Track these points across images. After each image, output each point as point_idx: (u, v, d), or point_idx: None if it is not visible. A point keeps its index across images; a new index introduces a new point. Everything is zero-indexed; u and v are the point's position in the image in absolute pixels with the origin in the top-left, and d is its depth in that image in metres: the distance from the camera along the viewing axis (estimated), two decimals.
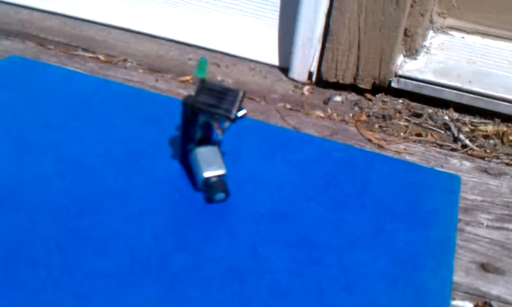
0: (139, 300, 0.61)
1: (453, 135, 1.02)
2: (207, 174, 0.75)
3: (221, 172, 0.76)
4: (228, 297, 0.63)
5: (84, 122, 0.91)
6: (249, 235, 0.71)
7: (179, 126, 0.79)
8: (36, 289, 0.61)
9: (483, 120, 1.06)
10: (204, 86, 0.76)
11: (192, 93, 0.76)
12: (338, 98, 1.12)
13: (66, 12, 1.36)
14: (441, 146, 0.99)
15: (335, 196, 0.80)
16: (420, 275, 0.68)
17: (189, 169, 0.80)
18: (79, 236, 0.69)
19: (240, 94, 0.76)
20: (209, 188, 0.75)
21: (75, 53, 1.21)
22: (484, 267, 0.72)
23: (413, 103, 1.10)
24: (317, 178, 0.83)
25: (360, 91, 1.13)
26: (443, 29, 1.21)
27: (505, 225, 0.80)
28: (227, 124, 0.75)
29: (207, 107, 0.74)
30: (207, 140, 0.79)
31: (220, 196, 0.75)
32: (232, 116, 0.73)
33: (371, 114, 1.06)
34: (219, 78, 1.16)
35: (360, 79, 1.12)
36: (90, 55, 1.20)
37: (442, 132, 1.03)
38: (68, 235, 0.69)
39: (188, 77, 1.13)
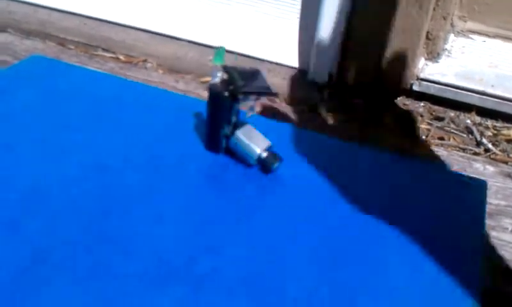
0: (165, 301, 0.61)
1: (476, 139, 1.01)
2: (259, 150, 0.80)
3: (268, 144, 0.81)
4: (252, 300, 0.62)
5: (106, 123, 0.91)
6: (273, 238, 0.71)
7: (208, 115, 0.81)
8: (63, 291, 0.61)
9: (506, 124, 1.05)
10: (232, 72, 0.77)
11: (215, 81, 0.78)
12: (358, 101, 1.12)
13: (86, 12, 1.36)
14: (464, 150, 0.98)
15: (360, 199, 0.79)
16: (447, 281, 0.67)
17: (232, 152, 0.84)
18: (105, 238, 0.68)
19: (260, 70, 0.83)
20: (265, 163, 0.81)
21: (95, 53, 1.21)
22: (510, 273, 0.72)
23: (435, 107, 1.10)
24: (341, 181, 0.82)
25: (381, 94, 1.13)
26: (464, 33, 1.21)
27: None
28: (257, 102, 0.82)
29: (251, 89, 0.76)
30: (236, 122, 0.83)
31: (276, 165, 0.81)
32: (275, 91, 0.80)
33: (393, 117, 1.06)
34: None
35: (381, 82, 1.11)
36: (110, 55, 1.21)
37: (465, 135, 1.02)
38: (93, 237, 0.69)
39: (208, 78, 1.13)
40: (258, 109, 0.81)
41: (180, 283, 0.64)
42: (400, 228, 0.75)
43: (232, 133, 0.81)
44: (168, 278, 0.64)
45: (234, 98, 0.77)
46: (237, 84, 0.76)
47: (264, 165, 0.80)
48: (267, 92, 0.78)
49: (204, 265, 0.66)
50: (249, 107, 0.80)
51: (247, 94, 0.77)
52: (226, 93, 0.77)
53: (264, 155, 0.80)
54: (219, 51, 0.77)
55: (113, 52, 1.22)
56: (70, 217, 0.72)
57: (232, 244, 0.70)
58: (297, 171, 0.84)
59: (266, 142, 0.81)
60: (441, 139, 1.01)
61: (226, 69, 0.78)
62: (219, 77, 0.79)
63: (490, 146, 0.98)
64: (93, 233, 0.69)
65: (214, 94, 0.78)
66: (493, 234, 0.78)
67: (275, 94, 0.79)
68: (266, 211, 0.76)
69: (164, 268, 0.65)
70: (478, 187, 0.84)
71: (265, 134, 0.83)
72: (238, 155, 0.82)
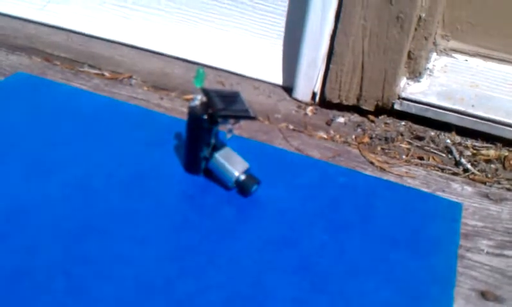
0: None
1: (455, 159, 1.02)
2: (237, 173, 0.81)
3: (246, 167, 0.82)
4: None
5: (89, 142, 0.92)
6: (252, 261, 0.72)
7: (187, 137, 0.82)
8: None
9: (485, 144, 1.06)
10: (211, 95, 0.78)
11: (194, 104, 0.79)
12: (341, 120, 1.13)
13: (73, 28, 1.37)
14: (442, 169, 0.99)
15: (338, 222, 0.80)
16: (421, 304, 0.68)
17: (211, 173, 0.85)
18: (84, 260, 0.69)
19: (240, 93, 0.84)
20: (242, 185, 0.81)
21: (81, 69, 1.22)
22: (484, 295, 0.73)
23: (416, 126, 1.11)
24: (320, 204, 0.84)
25: (363, 113, 1.14)
26: (447, 52, 1.22)
27: (506, 252, 0.80)
28: (235, 126, 0.82)
29: (230, 112, 0.77)
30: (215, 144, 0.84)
31: (255, 188, 0.82)
32: (253, 114, 0.81)
33: (374, 136, 1.07)
34: None
35: (363, 101, 1.12)
36: (96, 71, 1.21)
37: (444, 155, 1.04)
38: (72, 258, 0.69)
39: (193, 96, 1.14)
40: (237, 131, 0.82)
41: (158, 306, 0.64)
42: (377, 251, 0.76)
43: (211, 155, 0.82)
44: (146, 302, 0.65)
45: (213, 121, 0.78)
46: (216, 108, 0.77)
47: (242, 188, 0.81)
48: (246, 116, 0.79)
49: (183, 288, 0.67)
50: (228, 129, 0.82)
51: (226, 117, 0.78)
52: (205, 116, 0.78)
53: (242, 177, 0.81)
54: (199, 73, 0.78)
55: (99, 68, 1.23)
56: (49, 238, 0.72)
57: (212, 267, 0.71)
58: (276, 193, 0.85)
59: (244, 165, 0.82)
60: (421, 158, 1.02)
61: (205, 92, 0.79)
62: (198, 99, 0.80)
63: (469, 166, 1.00)
64: (72, 254, 0.70)
65: (193, 117, 0.79)
66: (468, 255, 0.79)
67: (253, 118, 0.80)
68: (245, 234, 0.77)
69: (142, 291, 0.66)
70: (453, 210, 0.86)
71: (246, 155, 0.84)
72: (216, 178, 0.83)
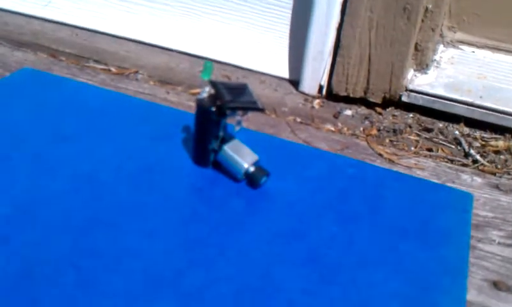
0: None
1: (464, 150, 1.02)
2: (247, 165, 0.81)
3: (255, 158, 0.82)
4: None
5: (96, 136, 0.92)
6: (261, 253, 0.71)
7: (196, 130, 0.81)
8: None
9: (494, 135, 1.06)
10: (219, 87, 0.78)
11: (202, 96, 0.79)
12: (348, 112, 1.12)
13: (78, 23, 1.37)
14: (452, 161, 0.99)
15: (348, 213, 0.80)
16: (433, 295, 0.68)
17: (220, 166, 0.84)
18: (93, 253, 0.69)
19: (248, 85, 0.84)
20: (252, 177, 0.81)
21: (87, 65, 1.22)
22: (496, 285, 0.72)
23: (424, 118, 1.10)
24: (329, 195, 0.83)
25: (370, 105, 1.14)
26: (454, 43, 1.21)
27: None
28: (244, 117, 0.82)
29: (238, 104, 0.77)
30: (223, 136, 0.84)
31: (264, 179, 0.82)
32: (262, 106, 0.81)
33: (381, 128, 1.07)
34: None
35: (370, 93, 1.12)
36: (102, 67, 1.21)
37: (453, 147, 1.03)
38: (82, 251, 0.69)
39: (199, 90, 1.14)
40: (244, 124, 0.82)
41: (168, 299, 0.64)
42: (386, 242, 0.75)
43: (220, 147, 0.81)
44: (155, 295, 0.64)
45: (221, 114, 0.78)
46: (224, 100, 0.76)
47: (252, 180, 0.81)
48: (254, 107, 0.79)
49: (192, 281, 0.66)
50: (237, 121, 0.81)
51: (234, 109, 0.77)
52: (213, 108, 0.78)
53: (251, 169, 0.81)
54: (207, 66, 0.78)
55: (105, 64, 1.22)
56: (58, 231, 0.72)
57: (221, 259, 0.70)
58: (285, 185, 0.84)
59: (254, 157, 0.81)
60: (430, 150, 1.01)
61: (213, 84, 0.78)
62: (206, 92, 0.79)
63: (478, 157, 0.99)
64: (81, 247, 0.70)
65: (201, 109, 0.79)
66: (480, 246, 0.79)
67: (262, 110, 0.80)
68: (254, 226, 0.76)
69: (151, 283, 0.66)
70: (464, 200, 0.85)
71: (254, 147, 0.84)
72: (225, 170, 0.83)
